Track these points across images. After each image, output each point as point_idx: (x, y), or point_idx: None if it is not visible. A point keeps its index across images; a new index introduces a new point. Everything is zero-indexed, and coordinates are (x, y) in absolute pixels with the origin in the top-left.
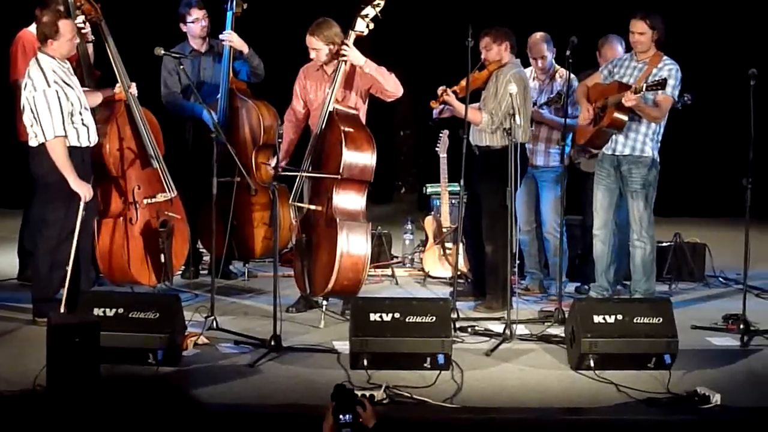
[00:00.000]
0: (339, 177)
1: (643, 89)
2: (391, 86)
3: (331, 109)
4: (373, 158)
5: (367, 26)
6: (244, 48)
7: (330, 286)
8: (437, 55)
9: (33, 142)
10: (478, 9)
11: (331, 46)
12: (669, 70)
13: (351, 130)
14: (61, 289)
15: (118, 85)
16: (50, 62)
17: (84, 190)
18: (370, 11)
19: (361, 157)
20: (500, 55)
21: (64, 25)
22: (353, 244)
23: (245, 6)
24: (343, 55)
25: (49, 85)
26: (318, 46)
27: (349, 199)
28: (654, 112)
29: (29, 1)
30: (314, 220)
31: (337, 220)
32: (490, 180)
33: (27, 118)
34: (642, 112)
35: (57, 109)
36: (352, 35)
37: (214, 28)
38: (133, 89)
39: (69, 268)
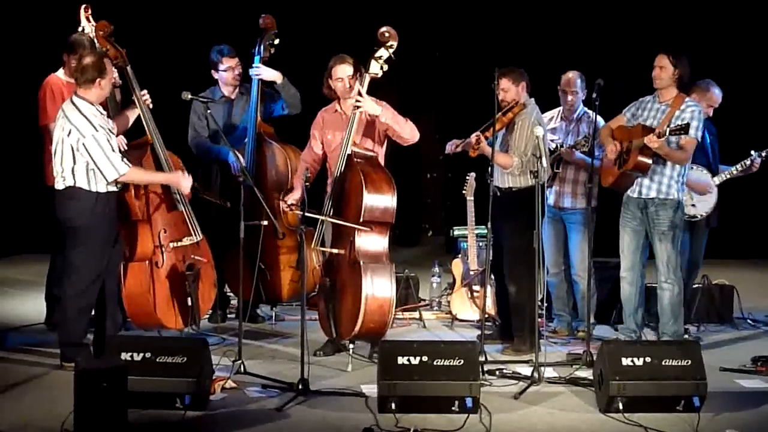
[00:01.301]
0: (364, 228)
1: (667, 133)
2: (407, 133)
3: (349, 152)
4: (394, 200)
5: (381, 68)
6: (278, 78)
7: (357, 329)
8: (463, 98)
9: (60, 185)
10: (502, 52)
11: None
12: (692, 112)
13: (370, 172)
14: (89, 333)
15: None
16: (89, 108)
17: (178, 180)
18: (383, 53)
19: (381, 200)
20: (518, 96)
21: (109, 63)
22: (378, 286)
23: (272, 51)
24: (358, 106)
25: (96, 130)
26: (351, 72)
27: (371, 242)
28: (679, 154)
29: (54, 47)
30: (337, 264)
31: (361, 263)
32: (512, 221)
33: (57, 163)
34: (667, 155)
35: (109, 149)
36: (367, 78)
37: (243, 73)
38: (147, 97)
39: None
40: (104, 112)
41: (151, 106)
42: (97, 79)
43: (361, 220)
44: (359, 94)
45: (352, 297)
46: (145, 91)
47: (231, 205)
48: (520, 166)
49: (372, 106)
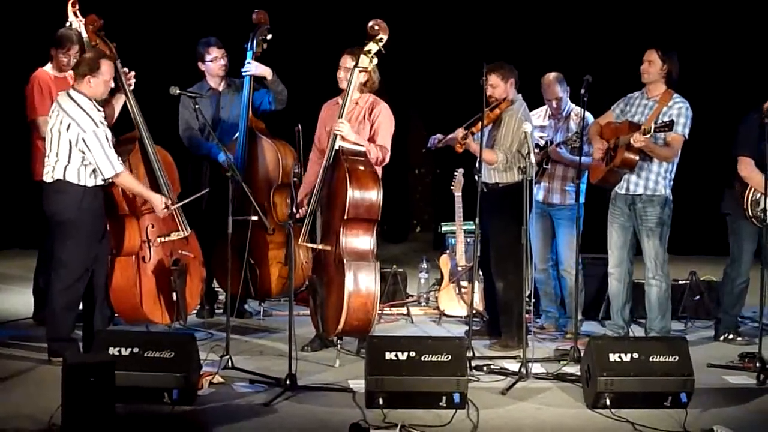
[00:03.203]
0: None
1: (652, 130)
2: (372, 158)
3: (337, 147)
4: (379, 196)
5: (371, 61)
6: (267, 74)
7: (340, 326)
8: (450, 94)
9: (48, 179)
10: (490, 47)
11: (364, 75)
12: (679, 108)
13: (356, 169)
14: (76, 328)
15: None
16: (87, 102)
17: (157, 203)
18: (373, 46)
19: (366, 196)
20: (507, 92)
21: (105, 64)
22: (361, 284)
23: (265, 46)
24: (338, 129)
25: (97, 126)
26: (350, 64)
27: (356, 239)
28: (665, 151)
29: (42, 42)
30: (324, 260)
31: (344, 260)
32: (499, 217)
33: (52, 156)
34: (652, 152)
35: (107, 145)
36: (356, 71)
37: (234, 68)
38: (131, 79)
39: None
40: (101, 109)
41: (132, 86)
42: (87, 76)
43: (346, 216)
44: (340, 122)
45: (336, 294)
46: (131, 73)
47: (219, 200)
48: (505, 162)
49: (349, 133)
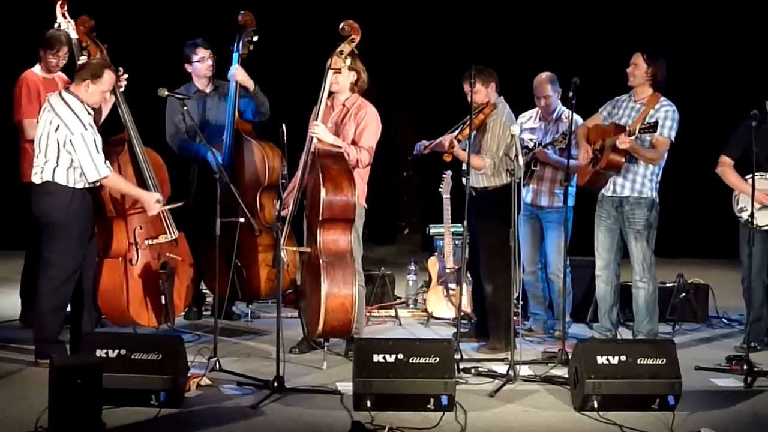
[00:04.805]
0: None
1: (636, 132)
2: (350, 160)
3: (313, 149)
4: (353, 197)
5: (344, 62)
6: (250, 84)
7: (320, 328)
8: (438, 97)
9: (37, 180)
10: (479, 49)
11: (353, 75)
12: (665, 111)
13: (329, 169)
14: (63, 330)
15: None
16: (79, 105)
17: (152, 198)
18: (345, 48)
19: (340, 196)
20: (488, 97)
21: (108, 75)
22: (338, 284)
23: (251, 48)
24: (313, 132)
25: (85, 128)
26: (340, 66)
27: (333, 239)
28: (650, 154)
29: (31, 43)
30: (307, 263)
31: (321, 261)
32: (488, 219)
33: (41, 156)
34: (638, 154)
35: (95, 149)
36: (330, 73)
37: (220, 70)
38: (122, 80)
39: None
40: (92, 112)
41: (122, 88)
42: (87, 81)
43: (321, 217)
44: (315, 124)
45: (316, 296)
46: (124, 75)
47: (207, 201)
48: (493, 167)
49: (325, 135)
